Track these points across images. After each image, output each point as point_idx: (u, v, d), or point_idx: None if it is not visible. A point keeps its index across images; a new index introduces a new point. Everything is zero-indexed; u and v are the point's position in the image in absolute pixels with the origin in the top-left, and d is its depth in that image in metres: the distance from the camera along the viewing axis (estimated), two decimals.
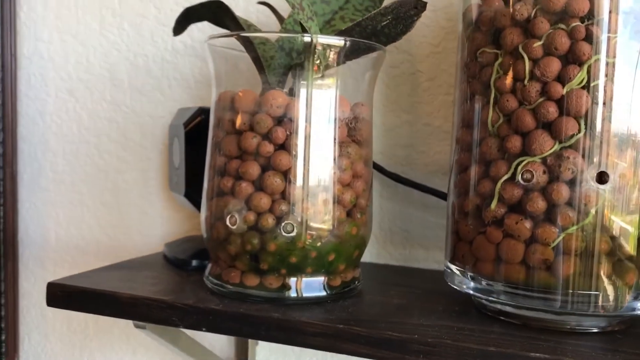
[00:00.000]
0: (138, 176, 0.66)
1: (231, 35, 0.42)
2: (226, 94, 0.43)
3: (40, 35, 0.69)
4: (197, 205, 0.54)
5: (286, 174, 0.40)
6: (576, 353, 0.34)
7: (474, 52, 0.40)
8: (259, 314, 0.39)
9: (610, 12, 0.35)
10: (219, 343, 0.63)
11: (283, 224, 0.40)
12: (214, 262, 0.44)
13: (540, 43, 0.36)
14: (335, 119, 0.41)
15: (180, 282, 0.47)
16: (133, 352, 0.68)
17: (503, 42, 0.37)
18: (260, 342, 0.62)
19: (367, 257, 0.57)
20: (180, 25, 0.46)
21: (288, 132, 0.40)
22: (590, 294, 0.36)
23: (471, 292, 0.40)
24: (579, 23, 0.35)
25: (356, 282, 0.45)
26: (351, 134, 0.42)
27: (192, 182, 0.54)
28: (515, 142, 0.37)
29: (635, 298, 0.37)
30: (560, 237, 0.36)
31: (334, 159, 0.41)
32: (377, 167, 0.54)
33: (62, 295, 0.44)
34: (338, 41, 0.41)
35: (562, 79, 0.35)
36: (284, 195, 0.40)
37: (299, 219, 0.40)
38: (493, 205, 0.38)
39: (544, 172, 0.36)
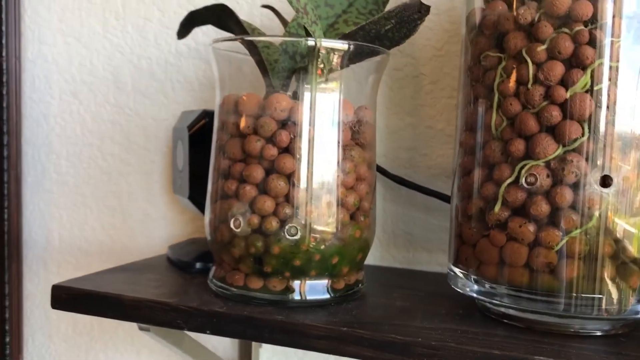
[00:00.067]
0: (141, 178, 0.66)
1: (235, 39, 0.43)
2: (230, 97, 0.43)
3: (44, 38, 0.69)
4: (201, 208, 0.54)
5: (290, 177, 0.40)
6: (580, 356, 0.34)
7: (478, 55, 0.40)
8: (263, 316, 0.39)
9: (613, 16, 0.35)
10: (222, 345, 0.64)
11: (287, 227, 0.40)
12: (217, 265, 0.44)
13: (544, 47, 0.36)
14: (338, 122, 0.41)
15: (184, 284, 0.47)
16: (137, 353, 0.68)
17: (507, 46, 0.37)
18: (264, 345, 0.62)
19: (370, 259, 0.57)
20: (185, 29, 0.46)
21: (292, 136, 0.40)
22: (594, 297, 0.36)
23: (475, 295, 0.40)
24: (582, 27, 0.35)
25: (360, 285, 0.45)
26: (355, 137, 0.42)
27: (195, 185, 0.54)
28: (518, 146, 0.37)
29: (639, 301, 0.37)
30: (564, 241, 0.36)
31: (338, 162, 0.41)
32: (381, 170, 0.54)
33: (66, 298, 0.45)
34: (342, 45, 0.41)
35: (565, 82, 0.36)
36: (288, 198, 0.40)
37: (303, 222, 0.40)
38: (497, 208, 0.38)
39: (548, 176, 0.36)
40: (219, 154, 0.43)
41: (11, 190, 0.69)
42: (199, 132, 0.54)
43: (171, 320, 0.41)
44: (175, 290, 0.46)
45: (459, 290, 0.41)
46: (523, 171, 0.36)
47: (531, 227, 0.36)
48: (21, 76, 0.70)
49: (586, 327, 0.38)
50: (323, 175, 0.41)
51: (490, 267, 0.39)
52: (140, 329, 0.48)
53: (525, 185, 0.36)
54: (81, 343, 0.71)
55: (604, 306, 0.36)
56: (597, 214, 0.35)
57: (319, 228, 0.41)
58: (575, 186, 0.36)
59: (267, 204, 0.40)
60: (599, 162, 0.35)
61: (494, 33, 0.39)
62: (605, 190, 0.35)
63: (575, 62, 0.35)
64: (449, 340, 0.36)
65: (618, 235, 0.36)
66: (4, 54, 0.68)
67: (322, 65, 0.41)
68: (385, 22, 0.41)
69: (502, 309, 0.39)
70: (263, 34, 0.49)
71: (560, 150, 0.36)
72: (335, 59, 0.41)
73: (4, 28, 0.67)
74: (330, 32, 0.46)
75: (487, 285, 0.39)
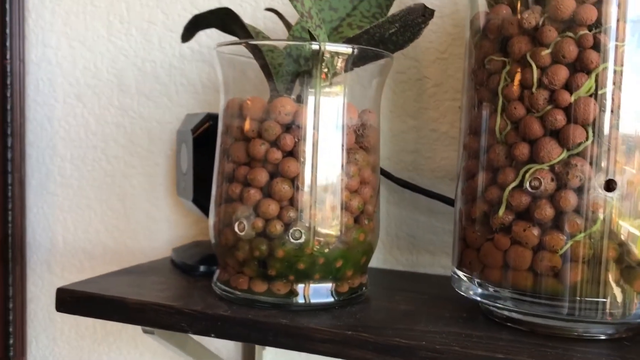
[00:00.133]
0: (145, 181, 0.67)
1: (240, 43, 0.43)
2: (234, 101, 0.43)
3: (49, 41, 0.69)
4: (205, 211, 0.54)
5: (294, 181, 0.40)
6: None
7: (482, 59, 0.40)
8: (267, 320, 0.39)
9: (618, 20, 0.35)
10: (225, 348, 0.64)
11: (291, 230, 0.40)
12: (222, 268, 0.45)
13: (548, 51, 0.36)
14: (343, 126, 0.41)
15: (188, 287, 0.47)
16: (141, 356, 0.69)
17: (511, 50, 0.38)
18: (267, 347, 0.62)
19: (374, 262, 0.57)
20: (189, 33, 0.46)
21: (296, 139, 0.40)
22: (598, 300, 0.36)
23: (478, 298, 0.40)
24: (586, 31, 0.35)
25: (363, 288, 0.45)
26: (359, 141, 0.43)
27: (199, 188, 0.54)
28: (523, 150, 0.37)
29: None
30: (568, 245, 0.36)
31: (342, 166, 0.41)
32: (384, 173, 0.54)
33: (70, 301, 0.45)
34: (346, 49, 0.41)
35: (569, 86, 0.36)
36: (292, 202, 0.40)
37: (307, 226, 0.40)
38: (501, 212, 0.38)
39: (552, 180, 0.36)
40: (223, 157, 0.43)
41: (15, 192, 0.69)
42: (202, 135, 0.54)
43: (176, 323, 0.41)
44: (180, 294, 0.46)
45: (462, 293, 0.41)
46: (527, 175, 0.36)
47: (535, 231, 0.36)
48: (25, 79, 0.70)
49: (590, 331, 0.38)
50: (327, 178, 0.41)
51: (494, 270, 0.39)
52: (144, 331, 0.48)
53: (529, 189, 0.36)
54: (84, 345, 0.71)
55: (608, 310, 0.36)
56: (601, 217, 0.35)
57: (323, 231, 0.41)
58: (579, 190, 0.36)
59: (272, 208, 0.40)
60: (603, 166, 0.35)
61: (498, 37, 0.39)
62: (609, 194, 0.35)
63: (580, 66, 0.35)
64: (453, 343, 0.36)
65: (622, 238, 0.36)
66: (8, 56, 0.68)
67: (326, 69, 0.41)
68: (389, 26, 0.41)
69: (506, 313, 0.39)
70: (267, 38, 0.49)
71: (564, 154, 0.36)
72: (340, 63, 0.41)
73: (8, 31, 0.68)
74: (334, 35, 0.46)
75: (491, 289, 0.39)
